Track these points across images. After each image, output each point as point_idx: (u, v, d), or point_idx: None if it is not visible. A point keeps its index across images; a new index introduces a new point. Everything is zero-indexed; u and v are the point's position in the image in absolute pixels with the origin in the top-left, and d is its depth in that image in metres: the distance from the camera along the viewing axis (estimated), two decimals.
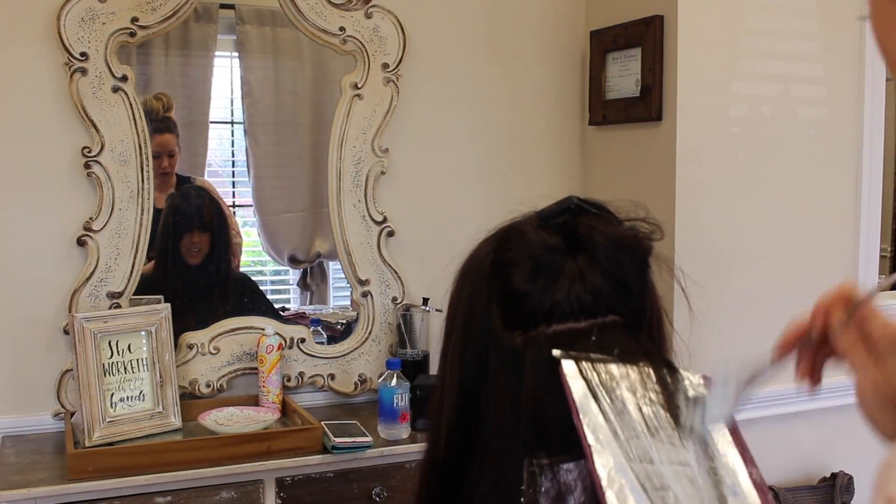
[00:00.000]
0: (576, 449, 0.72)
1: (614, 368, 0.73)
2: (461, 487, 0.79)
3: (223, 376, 2.26)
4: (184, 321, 2.23)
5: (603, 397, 0.72)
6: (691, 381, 0.76)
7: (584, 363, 0.73)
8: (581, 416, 0.70)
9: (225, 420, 2.09)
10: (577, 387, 0.71)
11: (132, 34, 2.13)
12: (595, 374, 0.73)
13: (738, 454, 0.72)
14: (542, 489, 0.72)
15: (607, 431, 0.70)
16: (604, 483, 0.67)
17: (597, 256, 0.77)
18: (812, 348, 0.76)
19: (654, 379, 0.74)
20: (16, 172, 2.10)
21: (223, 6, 2.34)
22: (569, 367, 0.72)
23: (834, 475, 2.41)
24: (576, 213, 0.80)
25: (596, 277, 0.76)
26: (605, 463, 0.68)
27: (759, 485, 0.71)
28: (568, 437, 0.73)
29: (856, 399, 0.72)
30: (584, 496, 0.72)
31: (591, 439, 0.69)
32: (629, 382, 0.73)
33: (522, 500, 0.72)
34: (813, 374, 0.77)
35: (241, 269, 2.49)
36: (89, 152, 2.11)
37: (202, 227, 2.36)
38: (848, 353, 0.73)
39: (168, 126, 2.28)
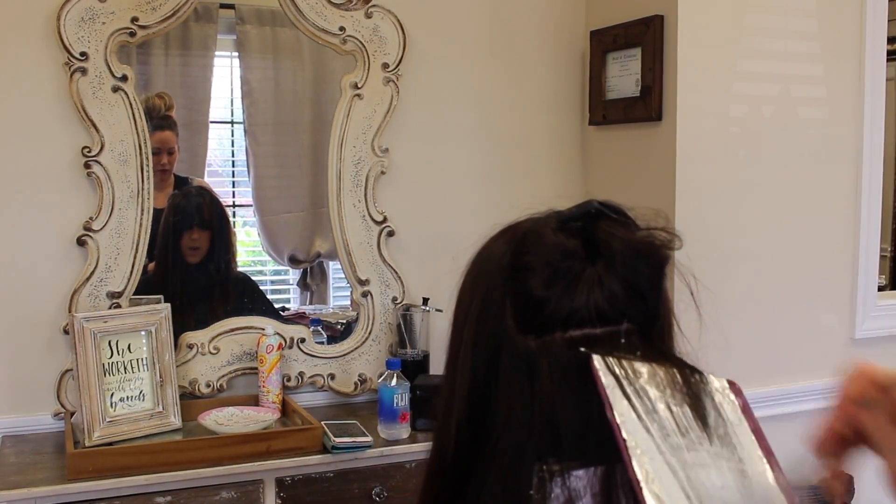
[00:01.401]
0: (587, 455, 0.72)
1: (642, 367, 0.73)
2: (466, 489, 0.78)
3: (223, 376, 2.26)
4: (184, 321, 2.23)
5: (633, 394, 0.71)
6: (715, 386, 0.75)
7: (612, 359, 0.72)
8: (614, 412, 0.70)
9: (225, 420, 2.09)
10: (608, 382, 0.71)
11: (132, 34, 2.13)
12: (623, 370, 0.72)
13: (764, 458, 0.72)
14: (552, 495, 0.72)
15: (640, 428, 0.69)
16: (640, 478, 0.67)
17: (614, 263, 0.76)
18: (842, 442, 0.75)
19: (679, 379, 0.74)
20: (16, 172, 2.10)
21: (223, 6, 2.34)
22: (599, 362, 0.72)
23: None
24: (595, 218, 0.79)
25: (613, 284, 0.76)
26: (640, 458, 0.68)
27: (785, 488, 0.71)
28: (580, 443, 0.73)
29: (887, 483, 0.71)
30: (593, 503, 0.72)
31: (625, 433, 0.69)
32: (657, 381, 0.73)
33: None
34: (838, 456, 0.75)
35: (241, 269, 2.49)
36: (89, 152, 2.11)
37: (202, 226, 2.36)
38: (877, 435, 0.71)
39: (169, 123, 2.29)
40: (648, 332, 0.78)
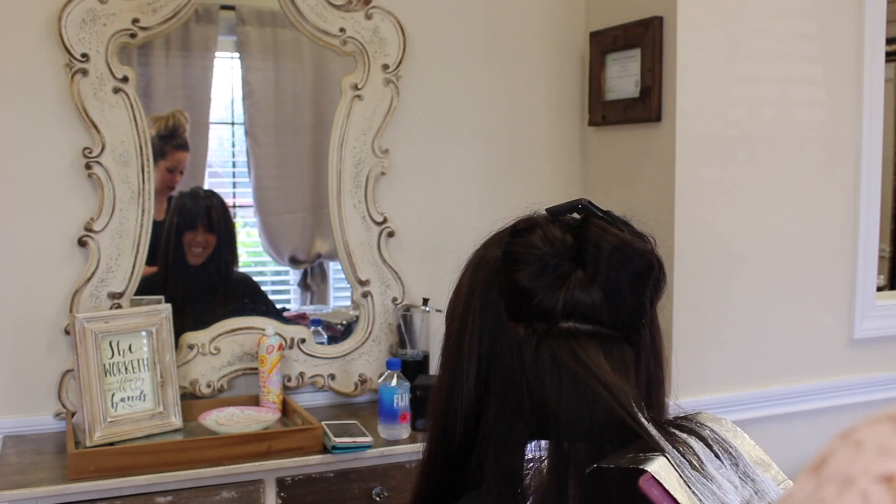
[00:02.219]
0: (577, 435, 0.77)
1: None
2: (465, 470, 0.83)
3: (224, 376, 2.27)
4: (184, 321, 2.23)
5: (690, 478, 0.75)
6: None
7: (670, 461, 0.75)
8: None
9: (225, 420, 2.10)
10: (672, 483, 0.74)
11: (133, 35, 2.13)
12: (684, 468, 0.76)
13: None
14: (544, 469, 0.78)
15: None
16: None
17: (602, 265, 0.80)
18: None
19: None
20: (17, 173, 2.10)
21: (224, 7, 2.34)
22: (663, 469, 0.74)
23: None
24: (585, 213, 0.84)
25: (601, 284, 0.80)
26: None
27: None
28: (569, 424, 0.77)
29: None
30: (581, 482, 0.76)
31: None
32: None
33: (525, 482, 0.78)
34: None
35: (242, 270, 2.49)
36: (90, 153, 2.12)
37: (208, 228, 2.37)
38: None
39: (186, 144, 2.33)
40: (631, 338, 0.82)
